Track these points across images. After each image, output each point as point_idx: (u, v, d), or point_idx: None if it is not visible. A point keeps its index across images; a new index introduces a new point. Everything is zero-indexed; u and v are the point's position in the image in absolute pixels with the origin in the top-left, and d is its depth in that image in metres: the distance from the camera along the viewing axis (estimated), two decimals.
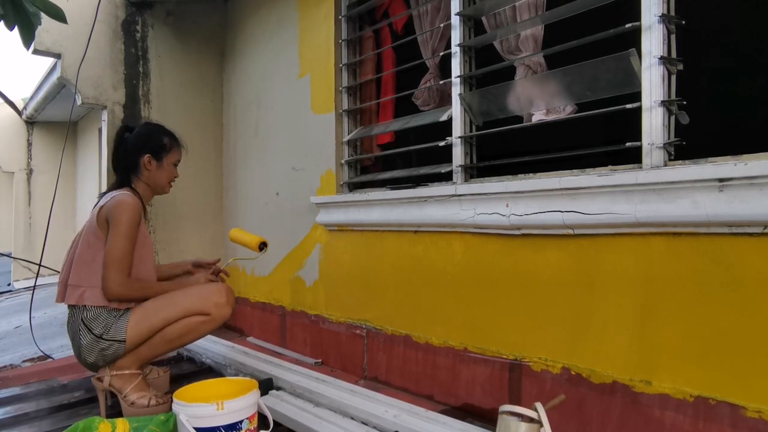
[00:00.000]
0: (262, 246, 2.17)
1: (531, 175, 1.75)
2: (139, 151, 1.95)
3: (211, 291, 1.88)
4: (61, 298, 1.84)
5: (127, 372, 1.83)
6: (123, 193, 1.86)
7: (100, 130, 5.28)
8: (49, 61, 4.59)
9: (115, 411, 1.85)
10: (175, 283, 2.03)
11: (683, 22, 1.45)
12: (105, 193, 1.94)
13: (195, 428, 1.41)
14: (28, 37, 1.59)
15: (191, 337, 1.87)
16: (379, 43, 2.50)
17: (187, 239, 3.23)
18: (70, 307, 1.84)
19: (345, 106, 2.50)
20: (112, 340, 1.78)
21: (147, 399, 1.82)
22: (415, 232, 2.10)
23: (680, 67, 1.45)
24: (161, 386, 2.02)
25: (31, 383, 2.27)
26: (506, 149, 2.11)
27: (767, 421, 1.22)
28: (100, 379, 1.84)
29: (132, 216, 1.80)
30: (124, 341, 1.78)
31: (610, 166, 1.55)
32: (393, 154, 2.41)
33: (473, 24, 2.00)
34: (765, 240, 1.23)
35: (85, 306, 1.79)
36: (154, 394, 1.85)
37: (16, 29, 1.57)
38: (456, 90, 1.97)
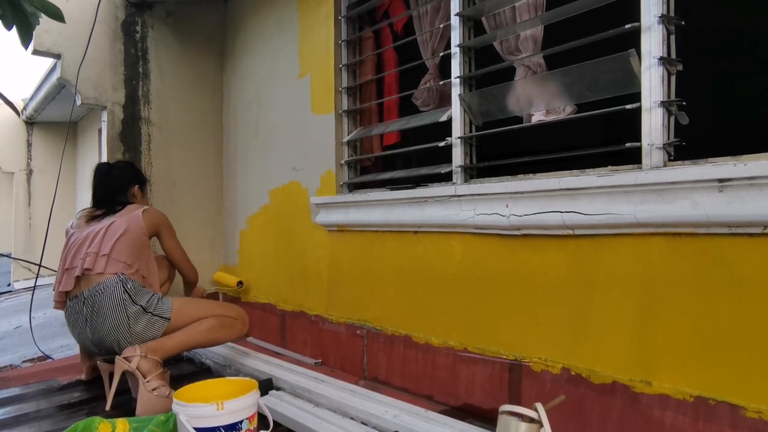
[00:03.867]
0: (239, 284, 3.06)
1: (531, 175, 1.75)
2: (129, 182, 2.32)
3: (236, 306, 2.26)
4: (102, 267, 1.97)
5: (156, 358, 1.88)
6: (154, 209, 2.28)
7: (100, 131, 5.27)
8: (49, 62, 4.58)
9: (119, 411, 1.84)
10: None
11: (683, 23, 1.45)
12: (115, 210, 2.18)
13: (195, 428, 1.41)
14: (26, 37, 1.59)
15: (224, 333, 2.10)
16: (379, 43, 2.50)
17: (187, 239, 3.21)
18: (104, 278, 1.95)
19: (345, 107, 2.50)
20: (159, 317, 1.97)
21: (167, 390, 1.83)
22: (415, 232, 2.10)
23: (680, 67, 1.45)
24: None
25: (31, 383, 2.27)
26: (506, 150, 2.11)
27: (767, 421, 1.22)
28: (128, 359, 1.84)
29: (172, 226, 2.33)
30: (169, 319, 1.98)
31: (609, 167, 1.55)
32: (393, 154, 2.42)
33: (473, 24, 2.00)
34: (765, 240, 1.23)
35: (127, 279, 1.96)
36: (171, 389, 1.85)
37: (14, 29, 1.57)
38: (456, 90, 1.97)
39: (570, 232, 1.59)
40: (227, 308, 2.18)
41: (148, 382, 1.82)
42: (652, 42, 1.44)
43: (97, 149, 5.86)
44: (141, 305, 1.92)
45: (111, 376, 1.91)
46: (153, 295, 2.01)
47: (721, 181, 1.26)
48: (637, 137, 1.46)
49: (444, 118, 2.01)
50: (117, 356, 1.89)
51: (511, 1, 1.83)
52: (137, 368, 1.83)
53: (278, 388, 2.00)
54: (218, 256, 3.40)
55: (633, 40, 1.49)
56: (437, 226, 1.99)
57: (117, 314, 1.89)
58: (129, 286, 1.94)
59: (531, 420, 1.22)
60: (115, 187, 2.27)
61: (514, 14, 1.88)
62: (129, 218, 2.10)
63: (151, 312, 1.94)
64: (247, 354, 2.37)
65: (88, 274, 1.96)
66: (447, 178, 2.02)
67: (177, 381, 2.10)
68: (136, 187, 2.34)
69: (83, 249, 2.01)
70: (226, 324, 2.10)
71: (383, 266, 2.24)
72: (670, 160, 1.43)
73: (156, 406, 1.76)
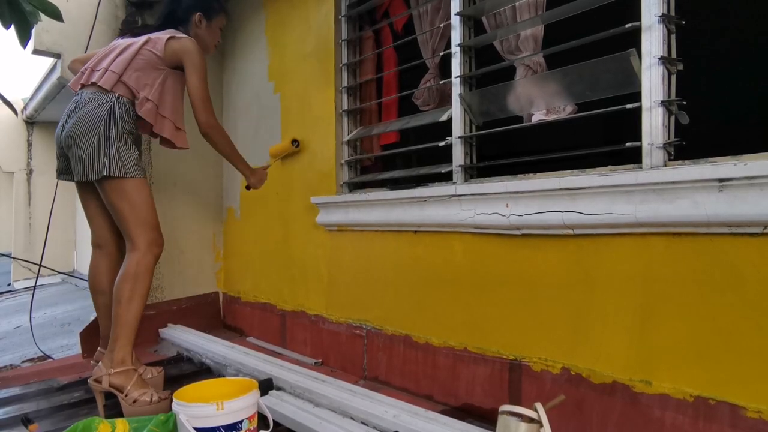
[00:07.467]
0: (295, 142, 2.62)
1: (531, 175, 1.75)
2: (193, 8, 2.08)
3: (143, 226, 1.95)
4: (99, 78, 1.88)
5: (123, 369, 1.83)
6: (191, 39, 2.02)
7: None
8: (49, 61, 4.59)
9: (115, 411, 1.84)
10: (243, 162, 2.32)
11: (683, 22, 1.45)
12: (155, 27, 2.06)
13: (195, 428, 1.41)
14: (24, 36, 1.59)
15: (145, 281, 1.89)
16: (379, 43, 2.50)
17: (187, 239, 3.23)
18: (99, 91, 1.88)
19: (345, 106, 2.50)
20: (116, 157, 1.82)
21: (149, 395, 1.81)
22: (415, 232, 2.10)
23: (680, 67, 1.45)
24: (156, 386, 2.01)
25: (31, 383, 2.27)
26: (506, 149, 2.11)
27: (767, 421, 1.22)
28: (98, 381, 1.84)
29: (205, 63, 2.02)
30: (123, 174, 1.84)
31: (610, 166, 1.55)
32: (393, 154, 2.41)
33: (473, 24, 2.00)
34: (765, 240, 1.23)
35: (119, 98, 1.88)
36: (154, 391, 1.85)
37: (13, 28, 1.57)
38: (456, 90, 1.97)
39: (570, 231, 1.59)
40: (140, 233, 1.90)
41: (126, 395, 1.81)
42: (653, 41, 1.44)
43: None
44: (115, 125, 1.85)
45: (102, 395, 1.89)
46: (133, 127, 1.93)
47: (721, 180, 1.26)
48: (638, 137, 1.46)
49: (444, 117, 2.01)
50: (89, 380, 1.88)
51: (512, 0, 1.83)
52: (111, 386, 1.82)
53: (278, 388, 2.00)
54: (217, 256, 3.40)
55: (633, 39, 1.49)
56: (437, 226, 1.99)
57: (96, 126, 1.85)
58: (116, 109, 1.87)
59: (531, 420, 1.22)
60: (176, 13, 2.09)
61: (515, 13, 1.88)
62: (150, 43, 1.97)
63: (112, 144, 1.84)
64: (247, 354, 2.37)
65: None
66: (447, 177, 2.01)
67: (177, 381, 2.11)
68: (198, 15, 2.10)
69: (100, 58, 1.98)
70: (140, 272, 1.86)
71: (383, 266, 2.24)
72: (670, 160, 1.43)
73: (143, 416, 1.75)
